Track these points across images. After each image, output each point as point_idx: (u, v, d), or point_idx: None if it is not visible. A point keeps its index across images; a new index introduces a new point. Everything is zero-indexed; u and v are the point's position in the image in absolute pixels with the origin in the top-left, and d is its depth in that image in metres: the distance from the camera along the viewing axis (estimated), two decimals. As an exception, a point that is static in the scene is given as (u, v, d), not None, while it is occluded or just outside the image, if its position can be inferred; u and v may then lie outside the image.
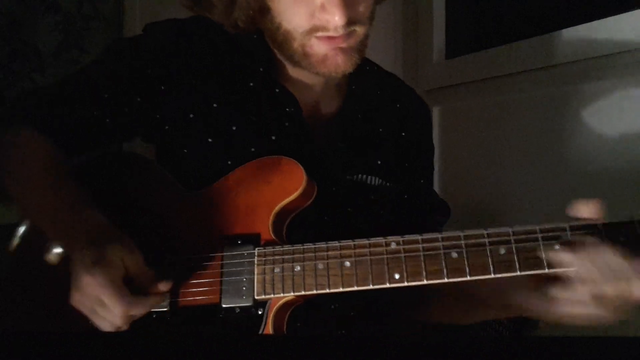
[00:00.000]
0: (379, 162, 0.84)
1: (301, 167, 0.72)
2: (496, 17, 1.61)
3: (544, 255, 0.59)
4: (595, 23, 1.20)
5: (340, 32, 0.70)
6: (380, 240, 0.64)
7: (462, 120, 1.66)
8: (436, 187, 1.75)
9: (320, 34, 0.71)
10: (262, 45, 0.81)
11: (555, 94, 1.31)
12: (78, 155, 0.82)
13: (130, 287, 0.63)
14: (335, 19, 0.68)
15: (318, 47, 0.72)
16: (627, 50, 1.13)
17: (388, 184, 0.85)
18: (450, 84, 1.70)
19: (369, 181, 0.83)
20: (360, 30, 0.73)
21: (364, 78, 0.87)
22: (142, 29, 0.86)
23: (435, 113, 1.75)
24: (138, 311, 0.63)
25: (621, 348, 0.30)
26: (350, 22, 0.70)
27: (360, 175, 0.83)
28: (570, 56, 1.26)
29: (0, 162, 0.77)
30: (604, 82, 1.20)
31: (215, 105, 0.79)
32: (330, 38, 0.71)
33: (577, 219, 0.61)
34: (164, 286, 0.66)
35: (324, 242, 0.66)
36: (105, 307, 0.61)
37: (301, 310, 0.74)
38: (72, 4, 1.56)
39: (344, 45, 0.72)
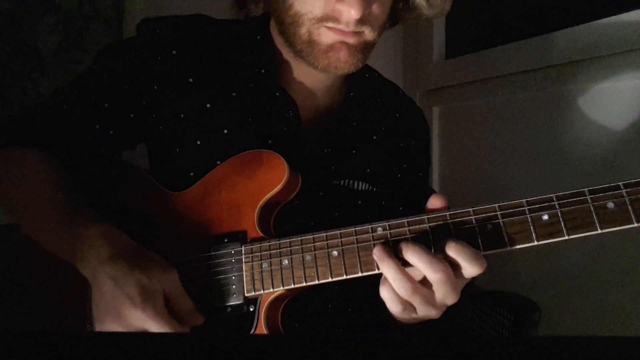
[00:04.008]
0: (368, 170, 0.83)
1: (283, 159, 0.71)
2: (496, 17, 1.61)
3: (532, 228, 0.57)
4: (594, 23, 1.21)
5: (351, 27, 0.69)
6: (367, 227, 0.63)
7: (462, 120, 1.66)
8: (435, 187, 1.76)
9: (330, 24, 0.70)
10: (265, 45, 0.80)
11: (554, 94, 1.31)
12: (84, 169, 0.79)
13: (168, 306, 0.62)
14: (351, 12, 0.67)
15: (325, 36, 0.71)
16: (626, 51, 1.13)
17: (375, 189, 0.84)
18: (450, 84, 1.70)
19: (356, 186, 0.82)
20: (368, 34, 0.72)
21: (363, 85, 0.86)
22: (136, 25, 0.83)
23: (435, 113, 1.75)
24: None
25: (621, 348, 0.30)
26: (363, 20, 0.69)
27: (347, 181, 0.81)
28: (569, 56, 1.26)
29: (6, 185, 0.75)
30: (603, 82, 1.20)
31: (208, 105, 0.77)
32: (339, 30, 0.70)
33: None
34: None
35: (310, 234, 0.66)
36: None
37: (298, 310, 0.74)
38: (72, 4, 1.55)
39: (351, 41, 0.71)
